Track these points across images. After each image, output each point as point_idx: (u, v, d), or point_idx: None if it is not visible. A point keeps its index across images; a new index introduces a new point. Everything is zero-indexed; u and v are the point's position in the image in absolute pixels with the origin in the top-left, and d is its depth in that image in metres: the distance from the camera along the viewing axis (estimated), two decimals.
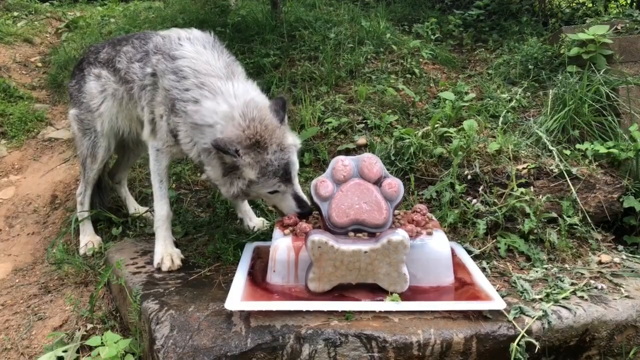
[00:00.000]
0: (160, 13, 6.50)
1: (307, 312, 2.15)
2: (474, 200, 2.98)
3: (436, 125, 3.48)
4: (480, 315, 2.16)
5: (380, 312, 2.17)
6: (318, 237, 2.20)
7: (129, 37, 3.16)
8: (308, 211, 2.55)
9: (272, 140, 2.43)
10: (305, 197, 2.57)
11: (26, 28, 7.22)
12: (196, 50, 2.68)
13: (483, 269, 2.58)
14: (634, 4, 5.56)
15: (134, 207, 3.56)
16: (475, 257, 2.69)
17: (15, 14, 7.71)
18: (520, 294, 2.38)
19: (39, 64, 6.42)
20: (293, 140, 2.56)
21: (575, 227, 2.89)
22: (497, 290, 2.28)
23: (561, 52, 4.21)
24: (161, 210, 2.83)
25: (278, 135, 2.46)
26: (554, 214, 2.89)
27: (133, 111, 3.00)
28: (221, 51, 2.75)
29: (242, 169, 2.41)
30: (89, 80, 3.14)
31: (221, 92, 2.52)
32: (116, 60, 3.00)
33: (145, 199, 3.75)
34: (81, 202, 3.34)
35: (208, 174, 2.57)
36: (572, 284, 2.46)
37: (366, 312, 2.17)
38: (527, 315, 2.19)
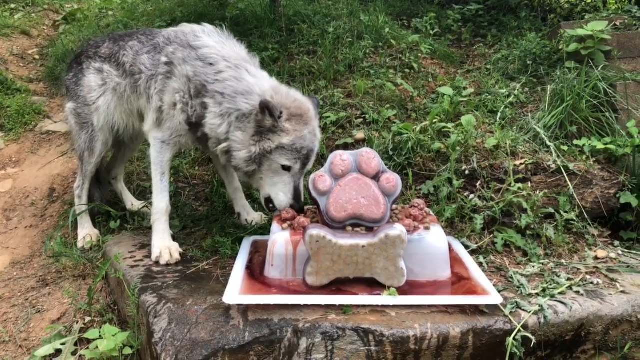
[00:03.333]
0: (159, 6, 6.46)
1: (305, 305, 2.16)
2: (472, 196, 2.99)
3: (434, 121, 3.48)
4: (477, 310, 2.18)
5: (377, 306, 2.18)
6: (316, 231, 2.20)
7: (133, 33, 3.17)
8: (300, 207, 2.59)
9: (311, 123, 2.61)
10: (302, 195, 2.62)
11: (23, 20, 7.18)
12: (216, 40, 2.79)
13: (480, 264, 2.59)
14: (633, 0, 5.56)
15: (131, 202, 3.56)
16: (473, 252, 2.70)
17: (13, 5, 7.66)
18: (517, 289, 2.39)
19: (37, 57, 6.39)
20: (320, 138, 2.71)
21: (572, 222, 2.90)
22: (493, 285, 2.30)
23: (560, 47, 4.20)
24: (160, 203, 2.83)
25: (314, 123, 2.65)
26: (551, 210, 2.90)
27: (135, 104, 3.00)
28: (239, 44, 2.87)
29: (279, 133, 2.51)
30: (89, 74, 3.14)
31: (257, 75, 2.69)
32: (121, 54, 3.01)
33: (143, 193, 3.75)
34: (79, 195, 3.34)
35: (234, 138, 2.59)
36: (569, 279, 2.48)
37: (364, 306, 2.18)
38: (523, 310, 2.20)
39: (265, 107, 2.46)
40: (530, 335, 2.12)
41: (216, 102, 2.62)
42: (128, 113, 3.08)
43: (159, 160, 2.84)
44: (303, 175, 2.64)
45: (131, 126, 3.14)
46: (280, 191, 2.59)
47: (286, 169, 2.56)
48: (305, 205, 2.68)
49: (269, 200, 2.64)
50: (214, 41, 2.77)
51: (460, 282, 2.36)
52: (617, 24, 4.30)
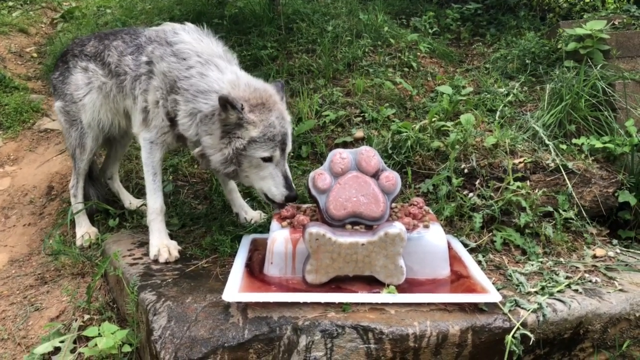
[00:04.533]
0: (157, 4, 6.44)
1: (305, 303, 2.16)
2: (471, 194, 3.00)
3: (433, 119, 3.48)
4: (476, 308, 2.18)
5: (377, 304, 2.19)
6: (316, 229, 2.20)
7: (117, 32, 3.18)
8: (294, 195, 2.55)
9: (275, 107, 2.56)
10: (292, 181, 2.59)
11: (21, 18, 7.16)
12: (193, 37, 2.78)
13: (479, 262, 2.60)
14: None
15: (129, 200, 3.55)
16: (472, 250, 2.71)
17: (10, 3, 7.64)
18: (516, 287, 2.40)
19: (35, 55, 6.38)
20: (290, 120, 2.66)
21: (571, 221, 2.91)
22: (492, 283, 2.30)
23: (558, 46, 4.21)
24: (155, 203, 2.83)
25: (280, 107, 2.60)
26: (550, 208, 2.91)
27: (121, 104, 3.00)
28: (217, 41, 2.84)
29: (246, 126, 2.47)
30: (76, 72, 3.15)
31: (227, 69, 2.64)
32: (105, 54, 3.02)
33: (142, 191, 3.73)
34: (74, 194, 3.34)
35: (205, 143, 2.56)
36: (567, 278, 2.49)
37: (363, 303, 2.19)
38: (522, 308, 2.21)
39: (226, 102, 2.41)
40: (529, 333, 2.12)
41: (185, 100, 2.60)
42: (114, 112, 3.09)
43: (149, 161, 2.84)
44: (286, 161, 2.60)
45: (117, 124, 3.15)
46: (271, 184, 2.56)
47: (267, 160, 2.52)
48: (304, 202, 2.68)
49: (261, 189, 2.63)
50: (191, 38, 2.76)
51: (459, 280, 2.36)
52: (616, 23, 4.30)
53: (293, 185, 2.59)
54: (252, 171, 2.57)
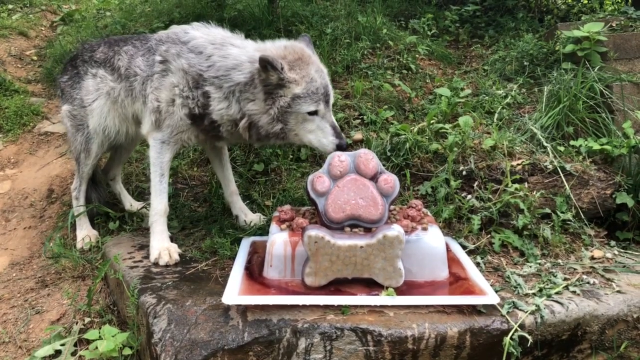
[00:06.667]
0: (157, 6, 6.46)
1: (304, 306, 2.17)
2: (469, 196, 3.01)
3: (432, 121, 3.49)
4: (474, 310, 2.19)
5: (375, 306, 2.20)
6: (315, 232, 2.22)
7: (128, 38, 3.21)
8: (344, 143, 2.57)
9: (311, 60, 2.59)
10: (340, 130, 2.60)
11: (21, 21, 7.18)
12: (202, 32, 2.83)
13: (477, 264, 2.61)
14: (629, 1, 5.58)
15: (129, 202, 3.57)
16: (470, 252, 2.72)
17: (10, 6, 7.66)
18: (514, 289, 2.41)
19: (35, 58, 6.39)
20: (327, 71, 2.67)
21: (569, 222, 2.92)
22: (491, 285, 2.31)
23: (556, 48, 4.22)
24: (159, 205, 2.84)
25: (315, 59, 2.63)
26: (548, 210, 2.92)
27: (129, 108, 3.01)
28: (224, 30, 2.89)
29: (288, 85, 2.50)
30: (87, 78, 3.17)
31: (244, 44, 2.71)
32: (115, 59, 3.04)
33: (142, 194, 3.76)
34: (76, 197, 3.36)
35: (249, 111, 2.59)
36: (565, 279, 2.50)
37: (362, 306, 2.20)
38: (520, 310, 2.22)
39: (266, 63, 2.43)
40: (527, 335, 2.14)
41: (216, 87, 2.64)
42: (122, 118, 3.10)
43: (158, 161, 2.84)
44: (331, 111, 2.63)
45: (124, 131, 3.16)
46: (320, 136, 2.59)
47: (313, 113, 2.55)
48: (303, 205, 2.69)
49: (310, 143, 2.63)
50: (200, 33, 2.81)
51: (457, 282, 2.37)
52: (613, 25, 4.32)
53: (342, 134, 2.61)
54: (299, 127, 2.59)
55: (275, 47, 2.61)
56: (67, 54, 5.46)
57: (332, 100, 2.64)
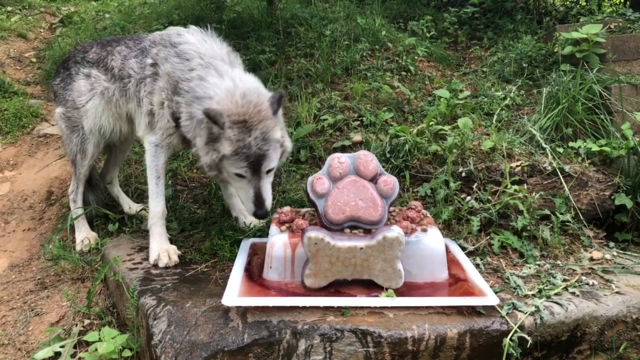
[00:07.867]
0: (156, 9, 6.47)
1: (304, 307, 2.18)
2: (468, 198, 3.01)
3: (431, 123, 3.50)
4: (473, 311, 2.20)
5: (375, 307, 2.20)
6: (314, 233, 2.22)
7: (120, 38, 3.20)
8: (262, 214, 2.51)
9: (258, 127, 2.43)
10: (268, 200, 2.52)
11: (20, 23, 7.18)
12: (197, 38, 2.79)
13: (477, 265, 2.61)
14: (627, 2, 5.60)
15: (128, 205, 3.56)
16: (469, 254, 2.72)
17: (9, 8, 7.66)
18: (513, 290, 2.41)
19: (34, 60, 6.39)
20: (280, 138, 2.54)
21: (568, 224, 2.93)
22: (490, 286, 2.32)
23: (555, 50, 4.24)
24: (156, 207, 2.84)
25: (267, 125, 2.46)
26: (547, 211, 2.92)
27: (123, 108, 3.02)
28: (221, 42, 2.84)
29: (222, 141, 2.43)
30: (78, 79, 3.16)
31: (227, 74, 2.60)
32: (109, 59, 3.04)
33: (141, 196, 3.76)
34: (74, 199, 3.35)
35: (197, 145, 2.58)
36: (564, 280, 2.50)
37: (362, 307, 2.20)
38: (519, 311, 2.22)
39: (207, 116, 2.39)
40: (526, 336, 2.14)
41: (185, 103, 2.61)
42: (116, 117, 3.10)
43: (154, 164, 2.85)
44: (263, 178, 2.51)
45: (118, 130, 3.16)
46: (243, 199, 2.56)
47: (240, 176, 2.50)
48: (303, 207, 2.69)
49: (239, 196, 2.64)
50: (195, 39, 2.77)
51: (457, 283, 2.38)
52: (612, 27, 4.34)
53: (266, 202, 2.51)
54: (231, 179, 2.58)
55: (237, 97, 2.45)
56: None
57: (266, 168, 2.49)
